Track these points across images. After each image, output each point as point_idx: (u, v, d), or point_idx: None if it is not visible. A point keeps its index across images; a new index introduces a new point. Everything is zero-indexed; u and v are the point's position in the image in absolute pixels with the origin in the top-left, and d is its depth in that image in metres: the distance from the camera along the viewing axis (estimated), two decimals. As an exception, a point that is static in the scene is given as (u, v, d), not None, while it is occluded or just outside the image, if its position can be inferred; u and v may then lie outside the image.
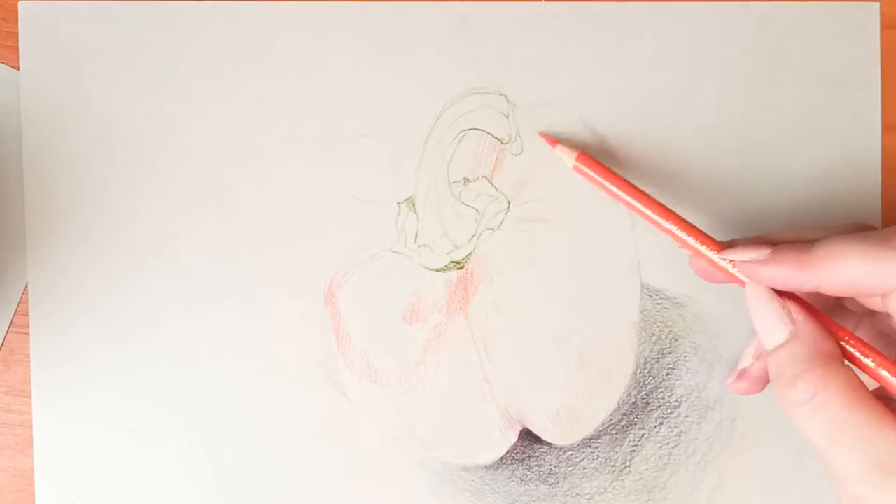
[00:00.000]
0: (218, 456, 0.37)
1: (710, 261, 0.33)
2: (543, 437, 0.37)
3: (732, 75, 0.37)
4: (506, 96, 0.37)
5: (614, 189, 0.34)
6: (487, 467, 0.37)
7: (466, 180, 0.37)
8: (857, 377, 0.29)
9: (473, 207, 0.37)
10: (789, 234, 0.33)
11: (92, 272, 0.36)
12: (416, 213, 0.37)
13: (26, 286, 0.37)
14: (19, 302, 0.37)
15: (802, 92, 0.37)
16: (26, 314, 0.37)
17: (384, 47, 0.37)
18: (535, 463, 0.37)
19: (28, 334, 0.36)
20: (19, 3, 0.36)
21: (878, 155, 0.37)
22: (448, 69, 0.37)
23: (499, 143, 0.37)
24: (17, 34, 0.36)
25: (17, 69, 0.36)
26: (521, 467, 0.37)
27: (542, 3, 0.37)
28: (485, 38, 0.37)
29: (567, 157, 0.35)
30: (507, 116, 0.37)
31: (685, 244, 0.33)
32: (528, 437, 0.37)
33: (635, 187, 0.34)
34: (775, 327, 0.31)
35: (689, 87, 0.37)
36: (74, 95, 0.36)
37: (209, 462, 0.36)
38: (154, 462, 0.36)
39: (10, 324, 0.37)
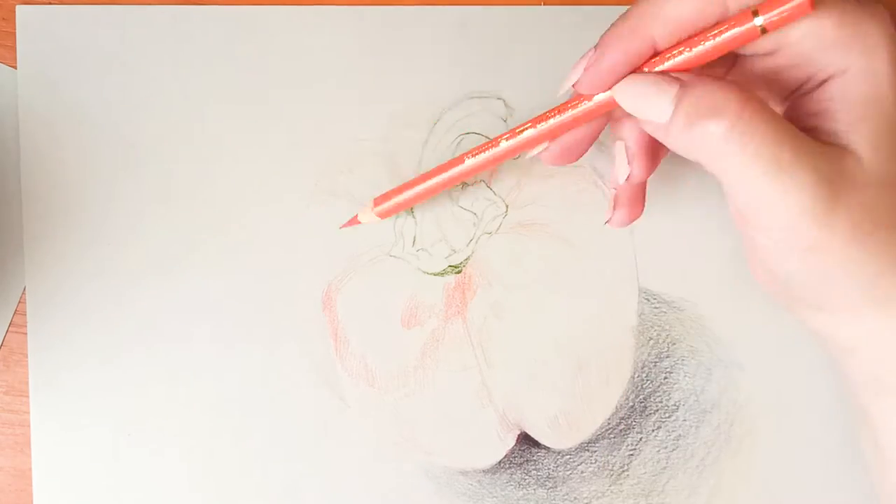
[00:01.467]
0: (215, 459, 0.37)
1: (557, 127, 0.31)
2: (541, 441, 0.37)
3: (731, 79, 0.37)
4: (504, 100, 0.37)
5: (421, 189, 0.33)
6: (485, 471, 0.37)
7: (464, 184, 0.37)
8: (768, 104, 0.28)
9: (471, 212, 0.37)
10: None
11: (90, 274, 0.36)
12: (414, 217, 0.37)
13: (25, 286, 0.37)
14: (19, 302, 0.37)
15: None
16: (25, 314, 0.37)
17: (383, 51, 0.37)
18: (534, 467, 0.37)
19: (27, 334, 0.37)
20: (17, 7, 0.36)
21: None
22: (446, 73, 0.37)
23: (497, 147, 0.37)
24: (13, 34, 0.36)
25: (14, 69, 0.37)
26: (519, 471, 0.37)
27: (541, 6, 0.37)
28: (483, 41, 0.37)
29: (370, 215, 0.35)
30: (505, 120, 0.37)
31: (530, 141, 0.31)
32: (526, 441, 0.37)
33: (431, 171, 0.33)
34: (662, 89, 0.28)
35: (688, 90, 0.37)
36: (72, 99, 0.36)
37: (207, 465, 0.36)
38: (151, 464, 0.36)
39: (10, 324, 0.37)
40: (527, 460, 0.37)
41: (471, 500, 0.37)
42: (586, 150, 0.32)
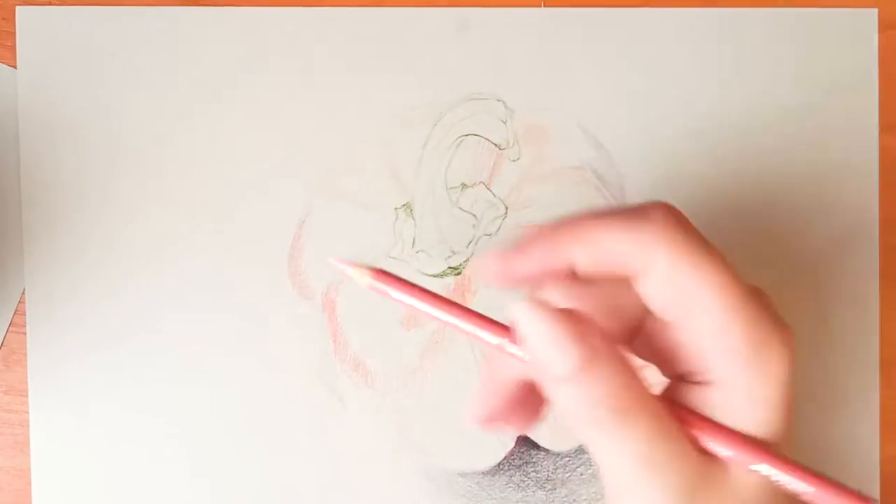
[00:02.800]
0: (214, 460, 0.37)
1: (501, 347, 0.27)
2: (541, 443, 0.37)
3: (731, 80, 0.37)
4: (504, 102, 0.37)
5: (416, 302, 0.28)
6: (485, 473, 0.37)
7: (464, 186, 0.37)
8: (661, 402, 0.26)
9: (471, 213, 0.37)
10: None
11: (89, 274, 0.36)
12: (413, 218, 0.37)
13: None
14: (18, 302, 0.37)
15: (801, 97, 0.37)
16: (24, 314, 0.37)
17: (383, 52, 0.37)
18: (533, 469, 0.37)
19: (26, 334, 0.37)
20: (17, 8, 0.36)
21: (876, 157, 0.37)
22: (446, 74, 0.37)
23: (496, 148, 0.37)
24: (12, 33, 0.36)
25: (14, 68, 0.37)
26: (518, 473, 0.37)
27: (541, 8, 0.37)
28: (483, 43, 0.37)
29: (361, 276, 0.29)
30: (504, 122, 0.37)
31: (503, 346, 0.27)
32: (525, 443, 0.37)
33: (437, 296, 0.28)
34: (568, 351, 0.25)
35: (688, 92, 0.37)
36: (72, 99, 0.36)
37: (205, 465, 0.37)
38: (150, 465, 0.36)
39: (10, 324, 0.37)
40: (526, 462, 0.37)
41: (470, 501, 0.36)
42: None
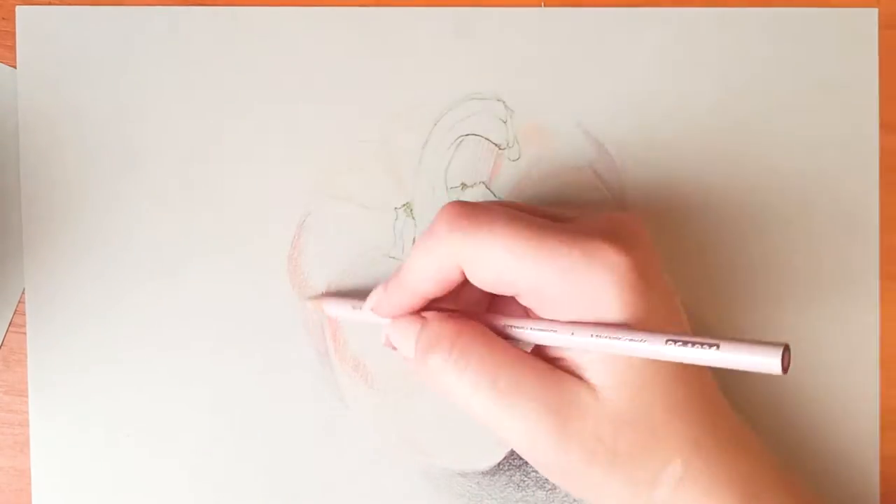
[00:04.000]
0: (214, 460, 0.37)
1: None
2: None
3: (731, 80, 0.37)
4: (504, 102, 0.37)
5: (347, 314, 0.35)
6: (485, 473, 0.37)
7: (464, 186, 0.37)
8: (496, 335, 0.29)
9: (471, 213, 0.37)
10: None
11: (89, 274, 0.37)
12: (413, 218, 0.37)
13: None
14: (18, 302, 0.37)
15: (801, 97, 0.37)
16: (25, 314, 0.37)
17: (382, 51, 0.37)
18: (532, 469, 0.37)
19: (26, 334, 0.37)
20: (17, 8, 0.36)
21: (876, 157, 0.37)
22: (446, 74, 0.37)
23: (497, 148, 0.37)
24: (12, 32, 0.36)
25: (14, 68, 0.36)
26: (518, 473, 0.37)
27: (541, 7, 0.37)
28: (483, 42, 0.37)
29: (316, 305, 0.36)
30: (504, 122, 0.37)
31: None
32: (525, 442, 0.37)
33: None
34: (409, 328, 0.31)
35: (688, 92, 0.37)
36: (72, 99, 0.36)
37: (205, 465, 0.37)
38: (151, 465, 0.36)
39: (10, 323, 0.37)
40: (526, 462, 0.37)
41: (470, 501, 0.36)
42: None
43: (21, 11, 0.36)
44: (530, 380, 0.28)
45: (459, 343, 0.29)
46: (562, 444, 0.28)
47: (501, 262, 0.28)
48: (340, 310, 0.35)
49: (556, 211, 0.31)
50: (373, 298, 0.32)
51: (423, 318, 0.30)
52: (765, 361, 0.24)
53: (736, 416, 0.31)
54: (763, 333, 0.37)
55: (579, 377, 0.29)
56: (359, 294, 0.36)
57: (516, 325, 0.29)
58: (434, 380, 0.29)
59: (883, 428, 0.37)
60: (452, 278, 0.29)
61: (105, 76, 0.37)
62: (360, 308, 0.34)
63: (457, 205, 0.29)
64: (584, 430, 0.28)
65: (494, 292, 0.30)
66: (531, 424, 0.28)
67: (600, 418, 0.28)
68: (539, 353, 0.30)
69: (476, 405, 0.28)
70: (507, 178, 0.37)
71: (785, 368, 0.24)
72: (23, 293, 0.37)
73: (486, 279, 0.29)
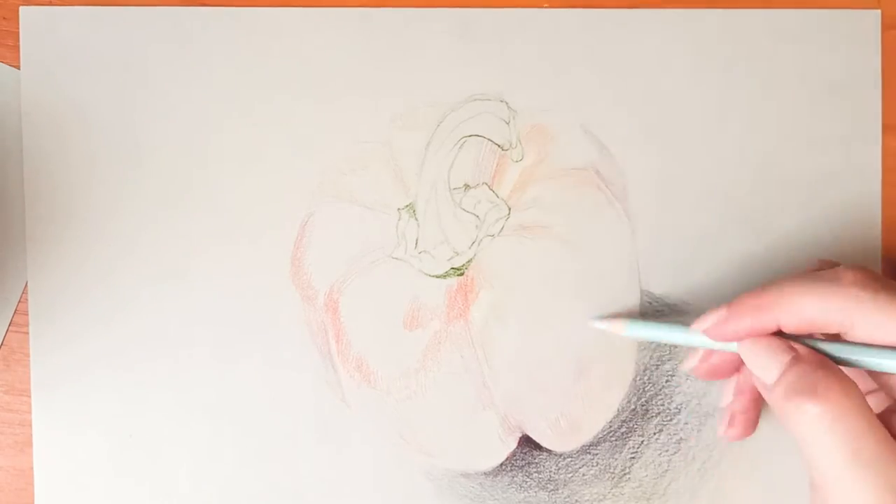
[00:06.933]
0: (216, 461, 0.37)
1: (694, 354, 0.34)
2: (543, 443, 0.37)
3: (733, 81, 0.37)
4: (507, 103, 0.37)
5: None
6: (487, 474, 0.37)
7: (467, 187, 0.37)
8: (863, 396, 0.29)
9: (474, 214, 0.37)
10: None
11: (92, 274, 0.36)
12: (416, 219, 0.37)
13: (26, 286, 0.37)
14: (19, 301, 0.37)
15: (803, 98, 0.37)
16: (26, 313, 0.37)
17: (386, 52, 0.37)
18: (535, 469, 0.37)
19: (28, 333, 0.37)
20: (20, 8, 0.36)
21: (879, 159, 0.37)
22: (449, 75, 0.37)
23: (499, 149, 0.37)
24: (15, 33, 0.36)
25: (17, 68, 0.36)
26: (520, 474, 0.37)
27: (544, 9, 0.37)
28: (486, 43, 0.37)
29: (617, 327, 0.36)
30: (507, 123, 0.37)
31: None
32: (527, 443, 0.37)
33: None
34: (775, 356, 0.31)
35: (691, 93, 0.37)
36: (75, 99, 0.36)
37: (208, 465, 0.37)
38: (153, 465, 0.36)
39: (10, 323, 0.37)
40: (528, 463, 0.37)
41: (472, 502, 0.37)
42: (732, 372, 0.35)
43: (25, 11, 0.36)
44: (889, 457, 0.28)
45: (838, 404, 0.29)
46: None
47: None
48: (640, 331, 0.35)
49: None
50: (710, 319, 0.32)
51: (794, 349, 0.31)
52: None
53: None
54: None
55: None
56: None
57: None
58: (798, 424, 0.29)
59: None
60: (831, 328, 0.30)
61: (108, 76, 0.36)
62: (670, 328, 0.34)
63: (868, 270, 0.31)
64: None
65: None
66: (875, 496, 0.28)
67: None
68: (883, 421, 0.30)
69: (826, 465, 0.29)
70: (509, 179, 0.37)
71: None
72: (25, 293, 0.37)
73: (873, 342, 0.30)
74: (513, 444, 0.37)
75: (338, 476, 0.37)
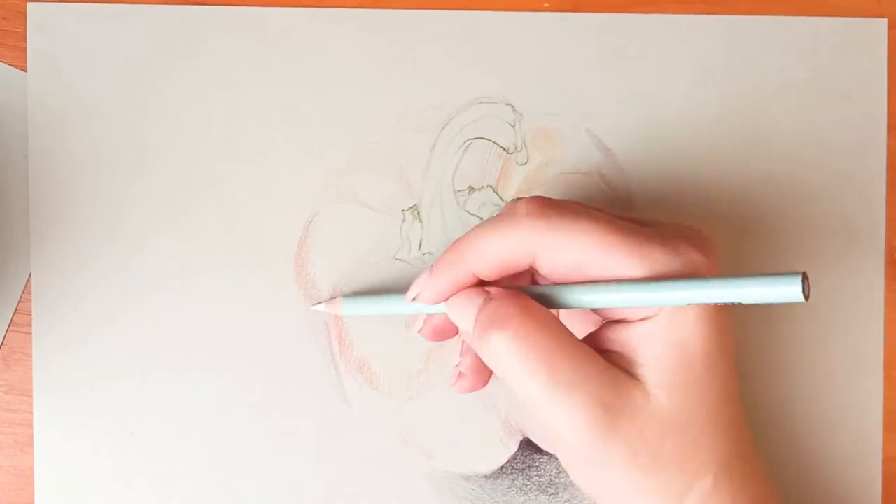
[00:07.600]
0: (218, 462, 0.36)
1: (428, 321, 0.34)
2: (544, 447, 0.37)
3: (738, 88, 0.37)
4: (512, 106, 0.37)
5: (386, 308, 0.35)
6: (487, 476, 0.37)
7: (472, 189, 0.37)
8: (558, 321, 0.29)
9: (478, 216, 0.37)
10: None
11: (95, 274, 0.36)
12: (420, 221, 0.37)
13: (28, 286, 0.37)
14: (20, 301, 0.37)
15: (808, 105, 0.37)
16: (27, 313, 0.36)
17: (391, 55, 0.37)
18: (535, 473, 0.37)
19: (28, 333, 0.36)
20: (28, 5, 0.36)
21: (884, 167, 0.37)
22: (454, 78, 0.37)
23: (504, 152, 0.37)
24: (16, 33, 0.36)
25: (18, 68, 0.36)
26: (521, 477, 0.37)
27: (551, 12, 0.37)
28: (491, 47, 0.37)
29: (334, 307, 0.36)
30: (513, 126, 0.37)
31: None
32: (528, 446, 0.37)
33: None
34: (470, 302, 0.30)
35: (696, 98, 0.37)
36: (82, 97, 0.36)
37: (209, 465, 0.36)
38: (154, 465, 0.36)
39: (10, 323, 0.37)
40: (529, 466, 0.37)
41: (473, 505, 0.37)
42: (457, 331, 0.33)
43: (32, 8, 0.36)
44: (588, 372, 0.28)
45: (524, 327, 0.28)
46: (607, 441, 0.28)
47: (587, 254, 0.28)
48: (357, 308, 0.35)
49: (633, 216, 0.32)
50: (417, 286, 0.32)
51: (487, 292, 0.30)
52: (787, 290, 0.26)
53: (752, 442, 0.31)
54: (765, 334, 0.37)
55: (632, 374, 0.29)
56: (366, 293, 0.36)
57: (576, 290, 0.30)
58: (490, 356, 0.29)
59: (886, 429, 0.37)
60: (520, 264, 0.30)
61: (114, 74, 0.36)
62: (387, 300, 0.34)
63: (540, 197, 0.30)
64: (632, 428, 0.28)
65: (559, 282, 0.30)
66: (581, 417, 0.28)
67: (649, 419, 0.28)
68: (593, 343, 0.30)
69: (529, 390, 0.28)
70: (514, 182, 0.37)
71: (806, 295, 0.25)
72: (27, 293, 0.37)
73: (559, 269, 0.29)
74: (514, 447, 0.37)
75: (339, 477, 0.36)
